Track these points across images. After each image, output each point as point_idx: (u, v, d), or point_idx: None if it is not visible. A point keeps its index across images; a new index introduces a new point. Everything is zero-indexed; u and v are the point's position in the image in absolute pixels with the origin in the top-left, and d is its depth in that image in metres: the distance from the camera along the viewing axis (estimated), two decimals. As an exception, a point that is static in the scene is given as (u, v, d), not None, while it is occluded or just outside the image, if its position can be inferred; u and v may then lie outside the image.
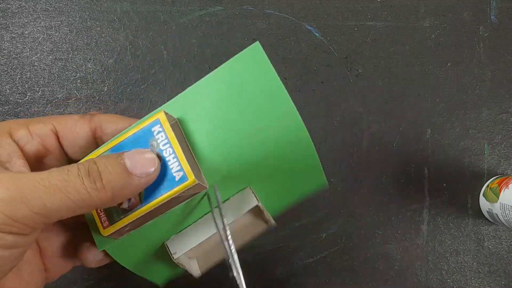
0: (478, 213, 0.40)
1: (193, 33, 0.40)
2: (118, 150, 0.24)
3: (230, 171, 0.27)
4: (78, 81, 0.40)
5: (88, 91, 0.39)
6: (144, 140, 0.24)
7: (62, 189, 0.20)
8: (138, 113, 0.39)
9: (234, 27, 0.41)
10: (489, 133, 0.41)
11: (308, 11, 0.41)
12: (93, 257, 0.27)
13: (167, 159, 0.24)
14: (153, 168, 0.23)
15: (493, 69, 0.41)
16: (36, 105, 0.39)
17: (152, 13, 0.40)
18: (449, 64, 0.41)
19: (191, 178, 0.23)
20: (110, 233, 0.24)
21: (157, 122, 0.24)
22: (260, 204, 0.28)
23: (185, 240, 0.29)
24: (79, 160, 0.25)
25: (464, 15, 0.41)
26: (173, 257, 0.29)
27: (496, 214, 0.38)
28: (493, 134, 0.41)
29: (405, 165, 0.40)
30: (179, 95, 0.26)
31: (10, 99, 0.39)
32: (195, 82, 0.41)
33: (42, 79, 0.40)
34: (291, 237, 0.40)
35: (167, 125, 0.24)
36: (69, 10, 0.40)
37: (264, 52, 0.25)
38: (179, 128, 0.26)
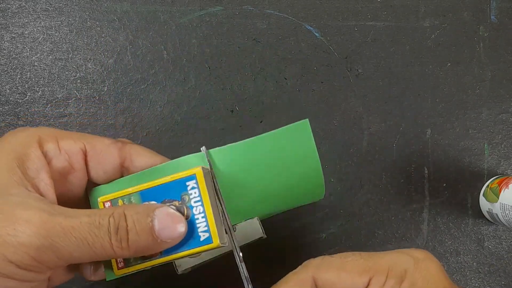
0: (478, 213, 0.40)
1: (193, 33, 0.40)
2: (148, 196, 0.24)
3: (246, 209, 0.30)
4: (78, 81, 0.40)
5: (88, 91, 0.39)
6: (176, 191, 0.24)
7: (90, 244, 0.21)
8: (138, 113, 0.39)
9: (234, 27, 0.41)
10: (489, 133, 0.41)
11: (308, 11, 0.41)
12: (95, 278, 0.28)
13: (195, 216, 0.24)
14: (180, 234, 0.23)
15: (493, 69, 0.41)
16: (36, 105, 0.39)
17: (152, 13, 0.40)
18: (449, 64, 0.41)
19: (216, 241, 0.24)
20: (123, 274, 0.25)
21: (193, 177, 0.24)
22: (264, 236, 0.31)
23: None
24: (98, 183, 0.26)
25: (464, 15, 0.41)
26: (177, 270, 0.31)
27: (496, 214, 0.38)
28: (493, 134, 0.41)
29: (405, 165, 0.40)
30: (224, 147, 0.27)
31: (10, 99, 0.39)
32: (195, 82, 0.41)
33: (42, 79, 0.40)
34: (291, 237, 0.40)
35: (202, 183, 0.24)
36: (69, 10, 0.40)
37: (310, 130, 0.27)
38: (211, 179, 0.26)
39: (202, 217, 0.24)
